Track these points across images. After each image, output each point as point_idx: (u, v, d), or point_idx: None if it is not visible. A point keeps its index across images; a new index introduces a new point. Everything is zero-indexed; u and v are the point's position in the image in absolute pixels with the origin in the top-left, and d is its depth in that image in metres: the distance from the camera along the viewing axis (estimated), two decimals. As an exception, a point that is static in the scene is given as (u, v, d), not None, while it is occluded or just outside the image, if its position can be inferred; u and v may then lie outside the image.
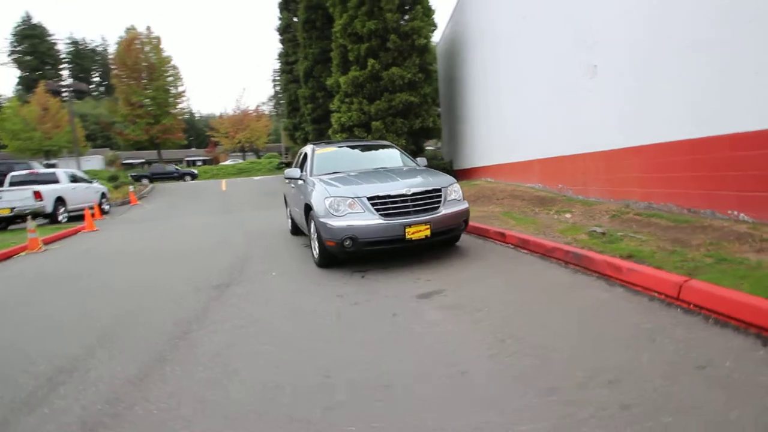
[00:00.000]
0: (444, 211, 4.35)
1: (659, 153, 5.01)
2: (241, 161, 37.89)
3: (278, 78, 66.51)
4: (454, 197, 4.60)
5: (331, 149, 5.84)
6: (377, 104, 12.43)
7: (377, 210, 4.13)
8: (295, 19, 19.35)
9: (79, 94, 37.87)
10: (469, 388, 1.95)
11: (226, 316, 3.30)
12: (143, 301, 3.88)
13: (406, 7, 12.76)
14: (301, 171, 5.57)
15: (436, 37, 14.39)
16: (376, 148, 6.18)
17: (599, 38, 6.01)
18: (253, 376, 2.24)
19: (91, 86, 61.83)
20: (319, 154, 5.62)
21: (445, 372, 2.10)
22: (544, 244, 4.31)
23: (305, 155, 6.02)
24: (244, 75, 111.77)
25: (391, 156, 5.85)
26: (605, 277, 3.34)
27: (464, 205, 4.61)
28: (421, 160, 5.94)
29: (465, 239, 5.38)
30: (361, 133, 12.84)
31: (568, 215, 6.11)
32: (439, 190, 4.44)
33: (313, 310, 3.24)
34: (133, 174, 28.42)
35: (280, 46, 19.36)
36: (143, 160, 42.74)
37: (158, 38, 30.26)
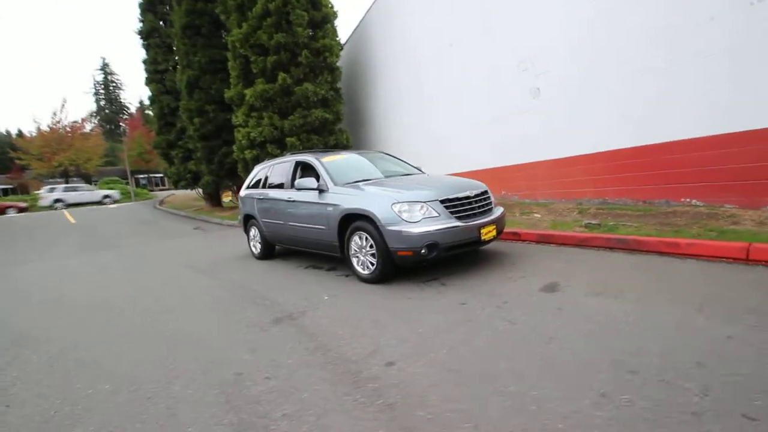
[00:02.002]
0: (497, 211, 4.48)
1: (612, 158, 6.20)
2: (66, 189, 30.05)
3: (103, 91, 56.23)
4: (493, 199, 4.76)
5: (338, 157, 5.33)
6: (291, 120, 11.84)
7: (452, 213, 3.98)
8: (162, 23, 16.87)
9: None
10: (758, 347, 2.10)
11: (367, 345, 2.67)
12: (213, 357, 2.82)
13: (314, 25, 12.61)
14: (295, 184, 5.13)
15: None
16: (376, 153, 5.90)
17: (541, 64, 7.13)
18: (560, 394, 1.91)
19: None
20: (328, 162, 5.07)
21: (710, 341, 2.21)
22: (576, 236, 4.83)
23: (302, 165, 5.38)
24: (54, 86, 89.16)
25: (397, 162, 5.70)
26: (664, 254, 3.97)
27: (502, 208, 4.80)
28: (418, 167, 5.96)
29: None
30: (274, 149, 11.98)
31: (537, 215, 6.92)
32: (488, 192, 4.54)
33: (467, 320, 2.91)
34: None
35: (144, 51, 16.43)
36: None
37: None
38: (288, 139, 11.84)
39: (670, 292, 3.00)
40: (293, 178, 5.41)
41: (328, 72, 12.35)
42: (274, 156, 11.81)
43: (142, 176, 38.81)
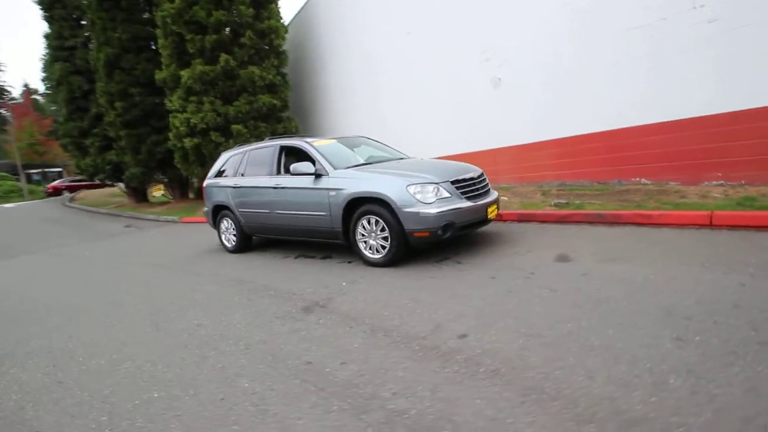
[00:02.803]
0: (494, 192, 4.70)
1: (573, 143, 6.81)
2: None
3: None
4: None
5: (329, 141, 5.13)
6: (237, 106, 11.09)
7: (462, 194, 4.09)
8: (67, -8, 14.52)
9: None
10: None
11: (424, 323, 2.68)
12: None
13: (257, 4, 11.85)
14: (281, 170, 5.11)
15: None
16: (360, 138, 5.79)
17: (503, 55, 7.55)
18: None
19: None
20: (322, 146, 4.87)
21: (730, 289, 2.60)
22: (556, 213, 5.27)
23: (287, 150, 5.13)
24: None
25: (383, 148, 5.65)
26: (640, 225, 4.51)
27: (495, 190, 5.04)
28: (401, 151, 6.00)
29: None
30: (219, 137, 11.14)
31: (504, 198, 7.34)
32: (484, 174, 4.74)
33: (508, 291, 3.04)
34: None
35: (46, 24, 13.93)
36: None
37: None
38: (234, 126, 11.06)
39: (670, 254, 3.45)
40: (279, 164, 5.12)
41: (274, 56, 11.75)
42: (219, 144, 10.99)
43: (34, 171, 33.28)
